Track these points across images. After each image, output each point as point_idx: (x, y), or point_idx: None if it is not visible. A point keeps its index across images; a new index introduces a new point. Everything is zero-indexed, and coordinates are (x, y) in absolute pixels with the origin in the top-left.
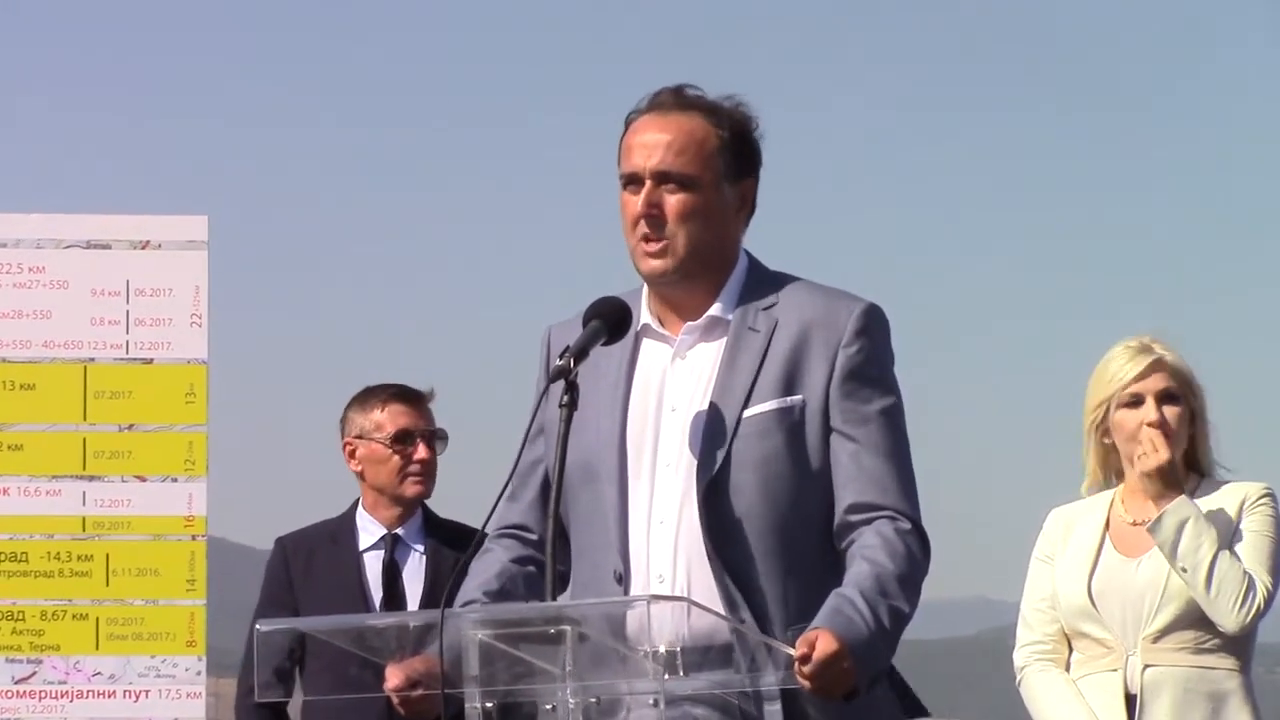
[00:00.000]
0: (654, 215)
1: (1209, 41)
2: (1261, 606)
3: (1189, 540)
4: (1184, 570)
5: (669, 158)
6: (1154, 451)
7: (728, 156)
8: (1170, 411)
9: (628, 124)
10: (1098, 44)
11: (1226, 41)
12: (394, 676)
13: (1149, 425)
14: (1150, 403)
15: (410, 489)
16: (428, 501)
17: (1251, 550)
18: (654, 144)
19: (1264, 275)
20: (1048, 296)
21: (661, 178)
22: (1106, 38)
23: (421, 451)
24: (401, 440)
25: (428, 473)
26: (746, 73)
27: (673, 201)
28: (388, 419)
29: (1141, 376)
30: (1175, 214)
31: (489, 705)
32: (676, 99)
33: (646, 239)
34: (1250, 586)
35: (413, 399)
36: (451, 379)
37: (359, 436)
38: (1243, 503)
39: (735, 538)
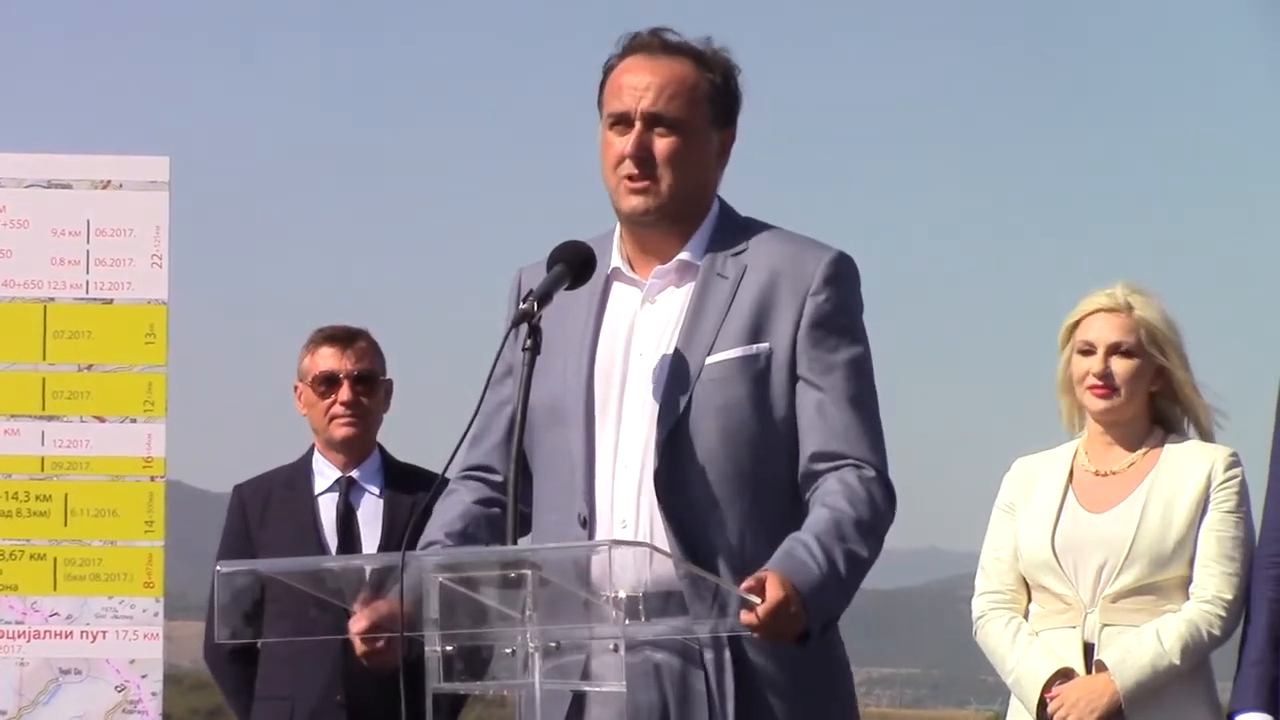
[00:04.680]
0: (644, 157)
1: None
2: (1219, 629)
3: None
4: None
5: (661, 101)
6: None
7: (715, 103)
8: (1119, 364)
9: (610, 66)
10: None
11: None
12: (359, 622)
13: (1093, 375)
14: (1099, 353)
15: (337, 431)
16: (385, 444)
17: (1215, 546)
18: (645, 86)
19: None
20: (1011, 250)
21: (653, 120)
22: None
23: (344, 394)
24: (326, 383)
25: (357, 414)
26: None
27: (662, 145)
28: (317, 362)
29: (1098, 323)
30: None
31: (449, 649)
32: (663, 42)
33: (631, 178)
34: (1195, 632)
35: (338, 341)
36: (417, 322)
37: (301, 380)
38: (1211, 470)
39: (695, 485)
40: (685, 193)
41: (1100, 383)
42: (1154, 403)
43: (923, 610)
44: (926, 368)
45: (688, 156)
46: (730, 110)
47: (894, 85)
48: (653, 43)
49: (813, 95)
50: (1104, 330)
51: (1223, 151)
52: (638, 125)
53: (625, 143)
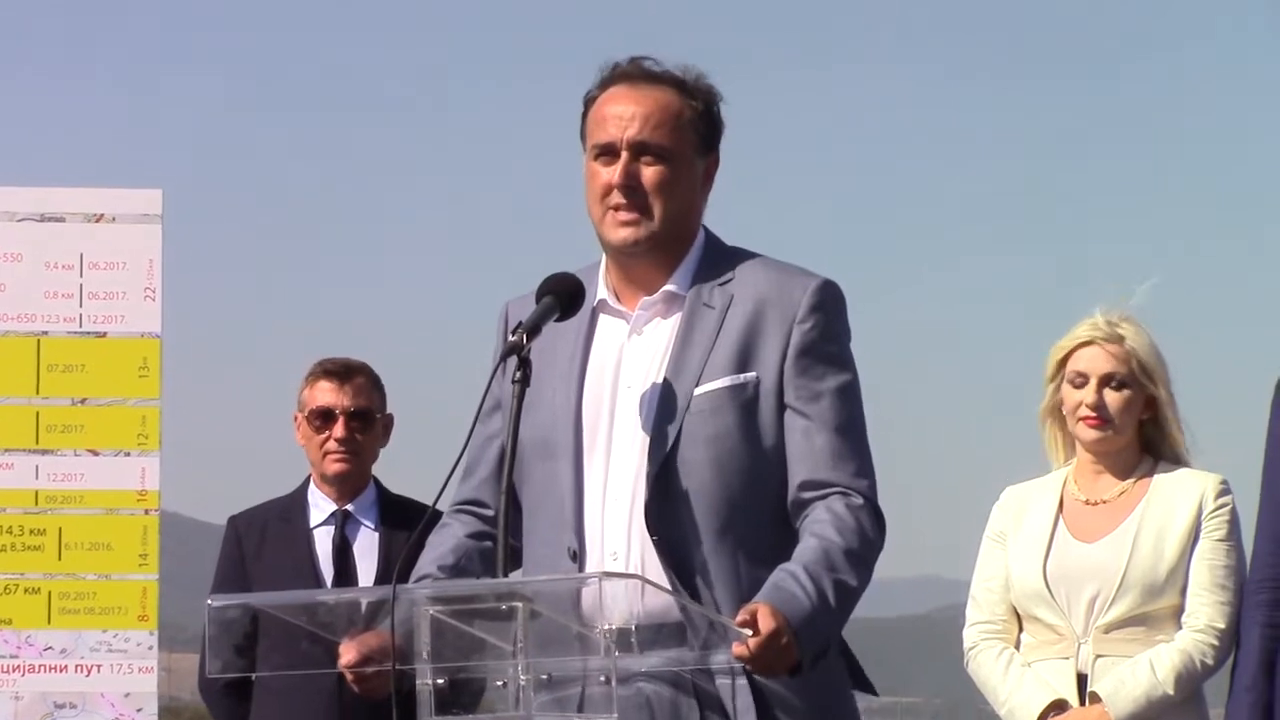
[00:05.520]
0: (632, 187)
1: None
2: (1213, 658)
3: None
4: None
5: (646, 129)
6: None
7: (699, 130)
8: (1112, 396)
9: (591, 98)
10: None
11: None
12: (348, 652)
13: (1086, 406)
14: (1092, 384)
15: (330, 467)
16: (381, 477)
17: (1207, 574)
18: (630, 115)
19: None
20: (1007, 274)
21: (639, 149)
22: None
23: (339, 430)
24: (322, 418)
25: (350, 451)
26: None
27: (649, 174)
28: (313, 396)
29: (1090, 354)
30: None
31: (440, 682)
32: (644, 71)
33: (619, 208)
34: (1188, 662)
35: (336, 376)
36: (412, 355)
37: (300, 412)
38: (1201, 498)
39: (686, 515)
40: (673, 221)
41: (1094, 414)
42: (1142, 430)
43: (923, 639)
44: (929, 393)
45: (675, 184)
46: (713, 137)
47: (887, 96)
48: (634, 72)
49: (808, 115)
50: (1096, 361)
51: (1224, 161)
52: (624, 155)
53: (612, 173)
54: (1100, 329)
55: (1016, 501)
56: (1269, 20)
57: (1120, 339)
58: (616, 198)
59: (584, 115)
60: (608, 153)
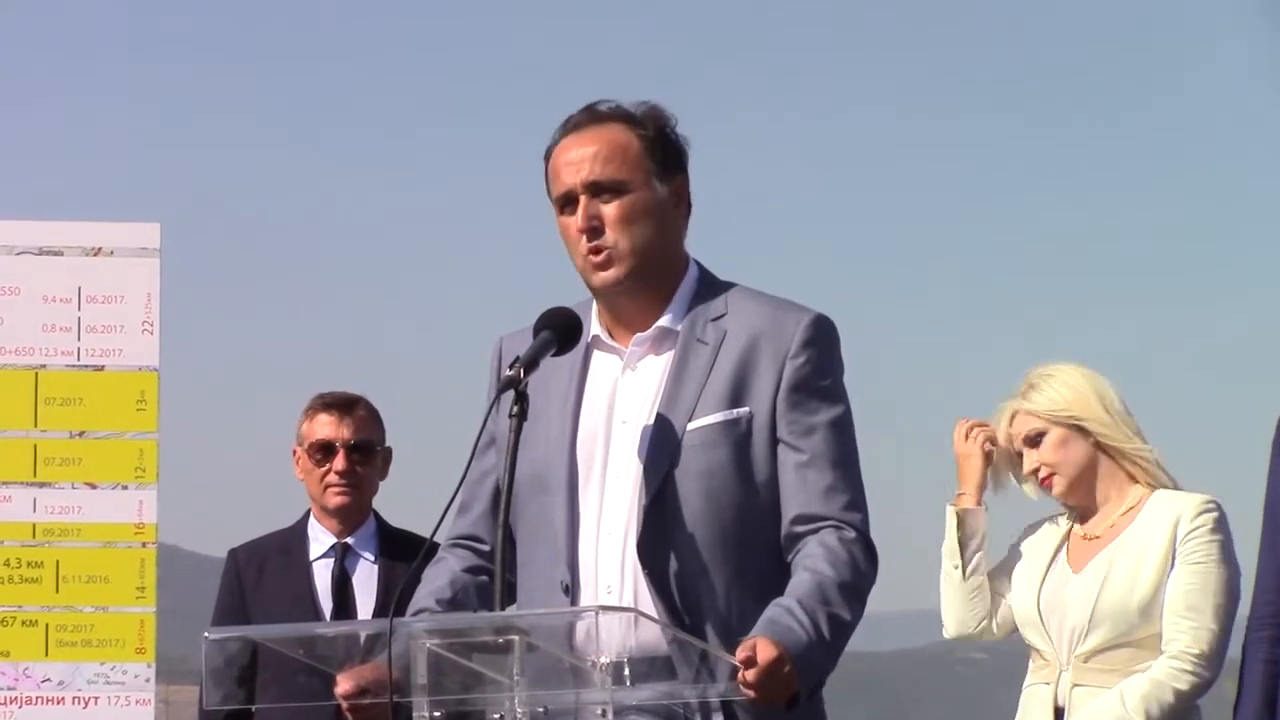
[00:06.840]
0: (595, 227)
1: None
2: (1188, 684)
3: None
4: None
5: (596, 167)
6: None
7: (655, 155)
8: (1045, 449)
9: (548, 154)
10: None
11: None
12: (344, 683)
13: (1030, 474)
14: (1026, 452)
15: (331, 500)
16: (381, 511)
17: (1181, 600)
18: (580, 159)
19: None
20: (1007, 303)
21: (594, 189)
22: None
23: (339, 463)
24: (322, 451)
25: (351, 484)
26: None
27: (608, 210)
28: (314, 429)
29: (1011, 424)
30: (1144, 219)
31: (437, 714)
32: (591, 116)
33: (590, 252)
34: (1159, 690)
35: (336, 409)
36: (409, 387)
37: (299, 446)
38: (1177, 522)
39: (679, 550)
40: (644, 250)
41: (1037, 476)
42: (1119, 463)
43: (921, 673)
44: (924, 425)
45: (636, 215)
46: (672, 159)
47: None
48: (582, 119)
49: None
50: (1019, 429)
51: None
52: (582, 199)
53: (577, 219)
54: (1011, 404)
55: (1034, 529)
56: None
57: (1029, 397)
58: (585, 242)
59: (545, 173)
60: (569, 202)
